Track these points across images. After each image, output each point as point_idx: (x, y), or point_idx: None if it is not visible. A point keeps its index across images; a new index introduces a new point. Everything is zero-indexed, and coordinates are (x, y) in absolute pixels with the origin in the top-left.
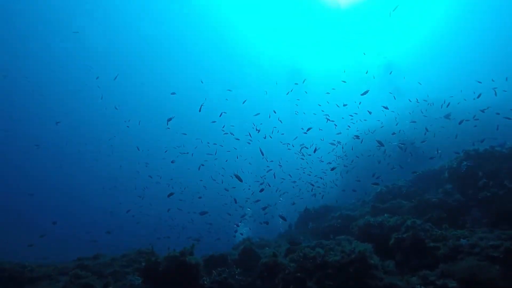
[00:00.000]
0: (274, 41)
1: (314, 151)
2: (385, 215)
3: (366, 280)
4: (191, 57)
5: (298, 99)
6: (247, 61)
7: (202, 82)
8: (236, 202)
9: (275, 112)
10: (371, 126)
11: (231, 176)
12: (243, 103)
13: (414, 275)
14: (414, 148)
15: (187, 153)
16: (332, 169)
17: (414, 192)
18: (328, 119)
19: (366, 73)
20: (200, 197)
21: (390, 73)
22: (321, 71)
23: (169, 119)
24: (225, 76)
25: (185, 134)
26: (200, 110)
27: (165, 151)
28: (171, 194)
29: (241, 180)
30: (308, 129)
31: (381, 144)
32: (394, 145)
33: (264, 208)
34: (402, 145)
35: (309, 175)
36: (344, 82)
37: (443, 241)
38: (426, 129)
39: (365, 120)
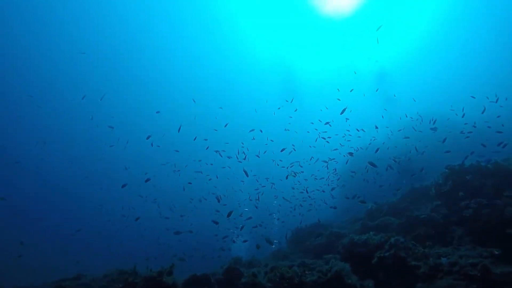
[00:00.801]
0: (270, 45)
1: (292, 176)
2: (371, 233)
3: None
4: (187, 63)
5: (291, 116)
6: (245, 64)
7: (194, 101)
8: (217, 224)
9: (261, 132)
10: (363, 143)
11: (218, 198)
12: (224, 126)
13: None
14: (403, 165)
15: (178, 170)
16: (303, 191)
17: (405, 209)
18: (321, 137)
19: (351, 91)
20: (182, 216)
21: (376, 90)
22: (316, 79)
23: (148, 137)
24: (220, 83)
25: (177, 151)
26: (179, 131)
27: (145, 173)
28: (138, 218)
29: (219, 201)
30: (283, 150)
31: (373, 165)
32: (385, 162)
33: (242, 228)
34: (395, 161)
35: (302, 192)
36: (339, 100)
37: (425, 259)
38: (416, 149)
39: (359, 137)
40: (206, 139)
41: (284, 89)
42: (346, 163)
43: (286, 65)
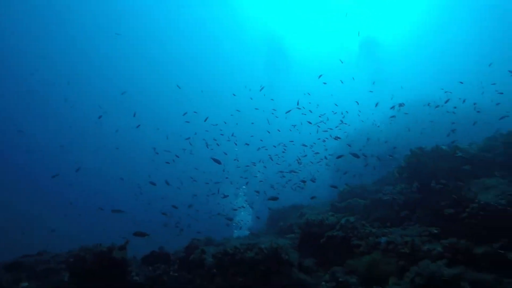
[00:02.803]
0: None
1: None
2: (329, 213)
3: (272, 277)
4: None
5: (275, 109)
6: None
7: (179, 87)
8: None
9: (233, 135)
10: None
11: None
12: (186, 140)
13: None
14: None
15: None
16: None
17: (375, 191)
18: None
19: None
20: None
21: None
22: (306, 54)
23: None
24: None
25: (166, 158)
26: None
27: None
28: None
29: (220, 163)
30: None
31: (356, 156)
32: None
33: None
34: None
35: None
36: (325, 83)
37: (366, 239)
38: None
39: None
40: (188, 121)
41: (271, 61)
42: (325, 150)
43: (276, 36)
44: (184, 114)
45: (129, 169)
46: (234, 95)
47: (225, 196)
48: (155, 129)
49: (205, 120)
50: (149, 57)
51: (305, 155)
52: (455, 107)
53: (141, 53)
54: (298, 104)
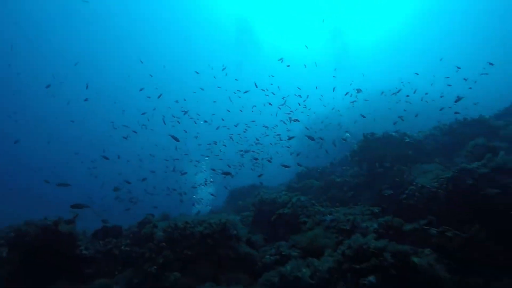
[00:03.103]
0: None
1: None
2: (282, 192)
3: (219, 250)
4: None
5: (240, 90)
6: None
7: (142, 61)
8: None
9: (186, 114)
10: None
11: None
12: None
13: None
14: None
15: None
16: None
17: (330, 173)
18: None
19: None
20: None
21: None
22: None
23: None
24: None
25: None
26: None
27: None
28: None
29: (178, 140)
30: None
31: (311, 139)
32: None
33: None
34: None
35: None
36: (288, 66)
37: (313, 216)
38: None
39: (309, 109)
40: (149, 97)
41: (239, 42)
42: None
43: (245, 18)
44: (141, 89)
45: (84, 144)
46: (197, 72)
47: (183, 174)
48: (113, 103)
49: (158, 97)
50: (110, 30)
51: (267, 135)
52: (407, 96)
53: (102, 26)
54: (256, 86)
